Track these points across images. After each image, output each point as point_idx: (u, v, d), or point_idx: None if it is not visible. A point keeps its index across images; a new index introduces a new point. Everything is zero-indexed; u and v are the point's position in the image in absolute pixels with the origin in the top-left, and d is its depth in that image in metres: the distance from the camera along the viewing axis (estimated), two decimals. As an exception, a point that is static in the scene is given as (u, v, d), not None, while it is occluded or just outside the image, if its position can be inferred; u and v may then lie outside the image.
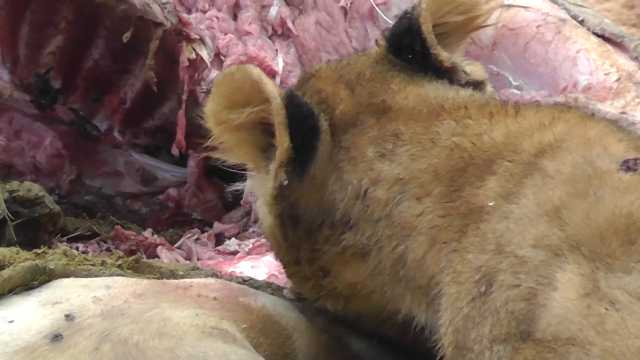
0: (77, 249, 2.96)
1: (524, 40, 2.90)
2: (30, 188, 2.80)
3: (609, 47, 2.83)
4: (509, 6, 2.93)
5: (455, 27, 2.43)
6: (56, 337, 2.11)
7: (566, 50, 2.84)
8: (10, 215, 2.73)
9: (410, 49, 2.36)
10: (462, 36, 2.45)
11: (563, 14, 2.91)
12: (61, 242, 2.91)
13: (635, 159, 1.99)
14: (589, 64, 2.79)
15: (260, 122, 2.25)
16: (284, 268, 2.45)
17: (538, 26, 2.88)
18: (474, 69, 2.42)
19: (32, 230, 2.80)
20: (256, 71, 2.21)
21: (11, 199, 2.75)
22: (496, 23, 2.88)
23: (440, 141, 2.17)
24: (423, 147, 2.18)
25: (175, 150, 3.13)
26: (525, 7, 2.95)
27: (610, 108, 2.62)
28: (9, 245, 2.63)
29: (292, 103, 2.21)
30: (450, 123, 2.18)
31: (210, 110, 2.27)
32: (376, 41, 2.43)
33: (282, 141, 2.21)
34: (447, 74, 2.39)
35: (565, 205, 1.96)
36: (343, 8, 3.21)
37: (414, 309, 2.18)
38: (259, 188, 2.34)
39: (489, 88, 2.46)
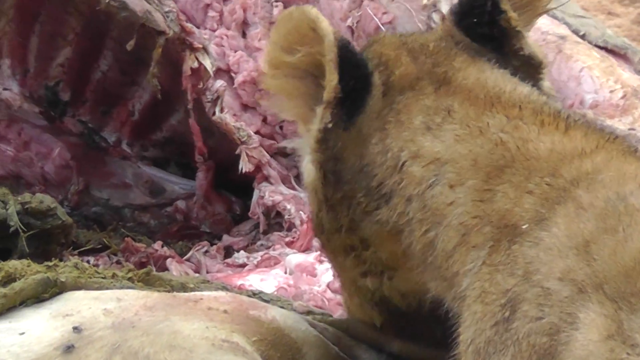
0: (87, 262, 2.95)
1: (530, 63, 2.93)
2: (43, 200, 2.81)
3: (612, 61, 2.88)
4: None
5: (522, 4, 2.44)
6: (68, 349, 2.12)
7: (569, 69, 2.89)
8: (22, 227, 2.75)
9: (480, 11, 2.38)
10: (528, 19, 2.46)
11: (563, 30, 2.95)
12: (73, 255, 2.94)
13: None
14: (593, 82, 2.84)
15: (313, 73, 2.27)
16: (325, 243, 2.45)
17: (539, 46, 2.86)
18: (536, 46, 2.44)
19: (44, 242, 2.82)
20: (314, 11, 2.22)
21: (23, 210, 2.77)
22: None
23: (488, 133, 2.17)
24: (470, 132, 2.18)
25: (199, 158, 3.16)
26: (526, 27, 2.99)
27: (618, 124, 2.65)
28: (21, 257, 2.62)
29: (346, 48, 2.23)
30: (501, 118, 2.18)
31: (267, 53, 2.29)
32: (442, 18, 2.45)
33: (331, 78, 2.22)
34: (511, 46, 2.39)
35: (594, 240, 1.96)
36: (350, 27, 3.27)
37: (442, 294, 2.19)
38: (305, 146, 2.37)
39: (546, 77, 2.47)
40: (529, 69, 2.38)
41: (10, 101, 3.26)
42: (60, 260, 2.62)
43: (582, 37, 2.95)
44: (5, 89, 3.26)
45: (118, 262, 3.07)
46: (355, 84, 2.25)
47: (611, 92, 2.80)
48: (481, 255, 2.08)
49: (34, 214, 2.79)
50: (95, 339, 2.16)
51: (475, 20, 2.37)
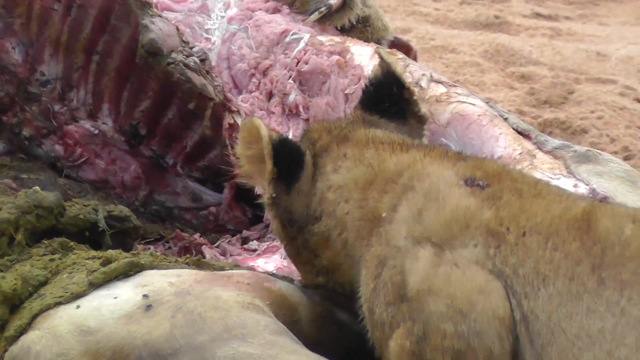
0: (149, 247, 3.25)
1: (468, 122, 3.37)
2: (122, 210, 3.15)
3: (520, 135, 3.33)
4: (462, 102, 3.42)
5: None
6: (148, 307, 2.42)
7: (493, 132, 3.31)
8: (107, 227, 3.06)
9: (386, 93, 2.67)
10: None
11: (496, 113, 3.41)
12: (139, 244, 3.24)
13: (472, 178, 2.30)
14: (505, 143, 3.26)
15: (261, 160, 2.55)
16: (290, 258, 2.71)
17: (479, 115, 3.36)
18: (425, 110, 2.74)
19: (123, 238, 3.13)
20: (257, 121, 2.52)
21: (108, 216, 3.09)
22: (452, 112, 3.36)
23: (364, 161, 2.47)
24: (355, 164, 2.48)
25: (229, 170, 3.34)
26: (472, 104, 3.42)
27: (511, 171, 3.01)
28: (107, 248, 2.91)
29: (283, 142, 2.53)
30: (372, 151, 2.49)
31: (237, 148, 2.59)
32: (354, 108, 2.80)
33: (268, 165, 2.51)
34: (411, 110, 2.68)
35: (424, 208, 2.27)
36: (346, 95, 3.64)
37: (355, 277, 2.44)
38: (265, 205, 2.67)
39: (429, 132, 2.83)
40: (421, 126, 2.72)
41: (106, 132, 3.57)
42: (131, 248, 3.05)
43: (505, 119, 3.39)
44: (103, 123, 3.57)
45: (169, 248, 3.33)
46: (289, 164, 2.53)
47: (513, 150, 3.24)
48: (365, 242, 2.37)
49: (116, 219, 3.10)
50: (164, 302, 2.43)
51: (384, 100, 2.68)
